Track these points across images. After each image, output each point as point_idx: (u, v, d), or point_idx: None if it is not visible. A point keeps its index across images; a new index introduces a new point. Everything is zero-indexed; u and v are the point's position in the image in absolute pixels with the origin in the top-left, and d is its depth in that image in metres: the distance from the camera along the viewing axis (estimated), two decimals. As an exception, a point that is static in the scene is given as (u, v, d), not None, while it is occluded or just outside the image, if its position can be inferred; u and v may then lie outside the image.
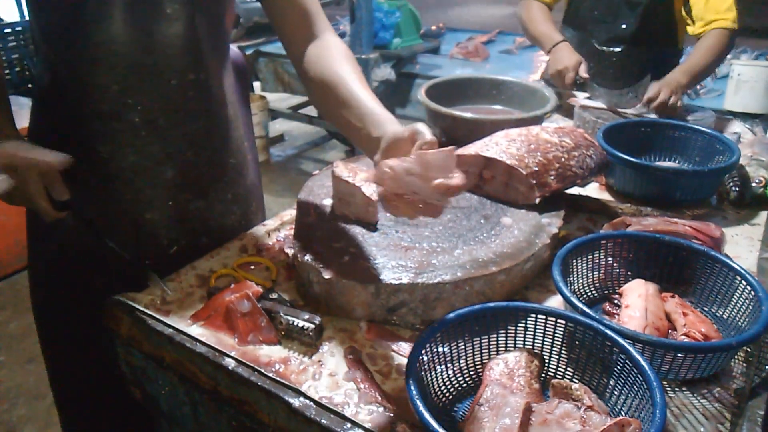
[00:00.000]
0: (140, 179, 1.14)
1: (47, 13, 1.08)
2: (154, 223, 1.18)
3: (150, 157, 1.14)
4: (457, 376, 0.89)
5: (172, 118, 1.14)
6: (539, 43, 2.17)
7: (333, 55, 1.11)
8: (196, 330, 0.99)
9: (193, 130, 1.18)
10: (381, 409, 0.84)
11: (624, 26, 2.16)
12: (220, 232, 1.27)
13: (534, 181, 1.20)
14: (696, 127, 1.54)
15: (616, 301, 1.04)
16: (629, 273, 1.09)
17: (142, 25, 1.06)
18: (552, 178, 1.23)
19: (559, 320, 0.89)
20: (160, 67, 1.10)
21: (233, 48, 1.34)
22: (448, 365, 0.88)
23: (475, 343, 0.90)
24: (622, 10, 2.16)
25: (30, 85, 4.28)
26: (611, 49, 2.20)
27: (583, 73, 1.97)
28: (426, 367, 0.84)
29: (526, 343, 0.91)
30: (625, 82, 2.19)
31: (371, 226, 1.14)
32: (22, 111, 3.78)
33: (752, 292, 0.94)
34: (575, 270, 1.06)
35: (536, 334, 0.90)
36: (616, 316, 1.00)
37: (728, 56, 2.19)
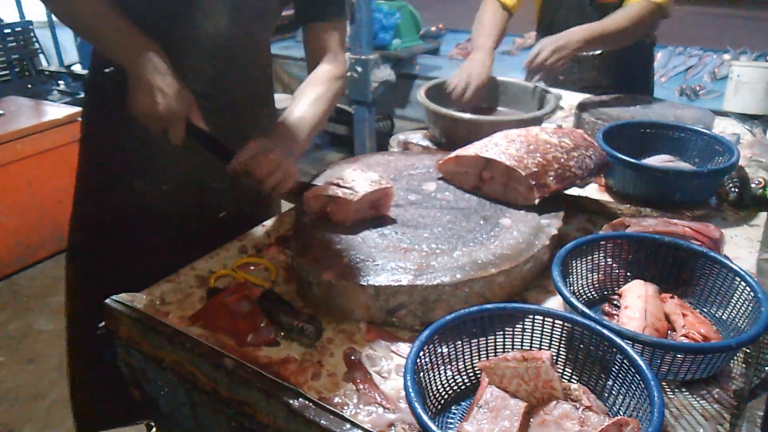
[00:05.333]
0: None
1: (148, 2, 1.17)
2: (217, 191, 1.36)
3: (227, 133, 1.27)
4: (456, 377, 0.89)
5: (249, 102, 1.33)
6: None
7: (313, 78, 1.36)
8: (195, 331, 0.99)
9: (260, 112, 1.39)
10: (380, 409, 0.84)
11: None
12: (257, 200, 1.45)
13: (533, 182, 1.20)
14: (695, 128, 1.54)
15: (615, 302, 1.04)
16: (628, 274, 1.09)
17: (246, 25, 1.25)
18: (551, 178, 1.23)
19: (558, 321, 0.89)
20: (248, 60, 1.31)
21: None
22: (447, 366, 0.88)
23: (473, 344, 0.90)
24: (596, 14, 2.07)
25: (30, 86, 4.28)
26: (591, 53, 2.16)
27: (468, 94, 1.77)
28: (425, 368, 0.84)
29: (524, 344, 0.91)
30: (608, 82, 2.17)
31: (372, 227, 1.14)
32: (21, 110, 3.78)
33: (751, 293, 0.94)
34: (575, 271, 1.06)
35: (535, 335, 0.90)
36: (616, 316, 1.00)
37: (653, 33, 2.08)
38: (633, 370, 0.78)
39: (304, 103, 1.29)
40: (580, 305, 0.89)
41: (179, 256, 1.17)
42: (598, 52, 2.15)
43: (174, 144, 1.12)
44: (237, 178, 1.16)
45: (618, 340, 0.82)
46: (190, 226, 1.35)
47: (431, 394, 0.85)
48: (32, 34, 4.40)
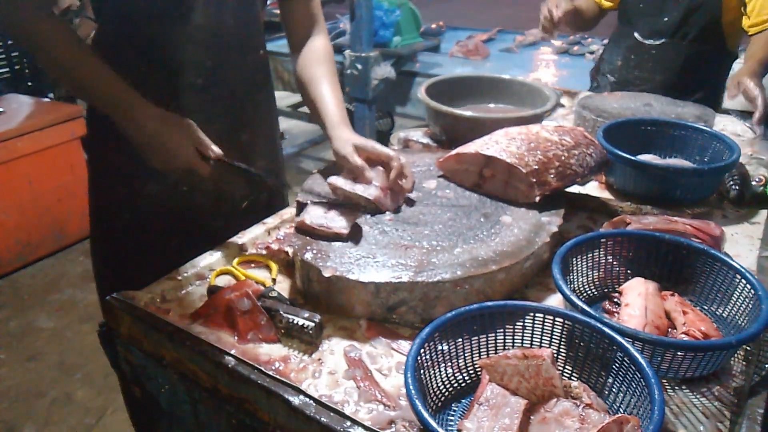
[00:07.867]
0: (224, 144, 1.25)
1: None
2: (232, 182, 1.35)
3: (231, 123, 1.31)
4: (456, 375, 0.89)
5: (247, 89, 1.34)
6: None
7: (314, 57, 1.37)
8: (196, 328, 0.99)
9: (259, 98, 1.40)
10: (380, 407, 0.84)
11: (666, 19, 2.15)
12: (273, 188, 1.49)
13: (534, 180, 1.20)
14: (696, 125, 1.54)
15: (615, 300, 1.04)
16: (629, 271, 1.09)
17: (234, 9, 1.25)
18: (552, 176, 1.23)
19: (558, 319, 0.89)
20: (242, 45, 1.31)
21: None
22: (448, 363, 0.88)
23: (474, 341, 0.90)
24: (667, 3, 2.14)
25: (30, 84, 4.28)
26: (652, 41, 2.19)
27: (558, 12, 2.13)
28: (425, 365, 0.84)
29: (525, 341, 0.91)
30: (664, 76, 2.17)
31: (371, 225, 1.14)
32: (22, 109, 3.77)
33: (752, 291, 0.94)
34: (575, 268, 1.06)
35: (535, 332, 0.90)
36: (616, 314, 1.00)
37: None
38: (633, 368, 0.78)
39: (337, 100, 1.33)
40: (580, 303, 0.89)
41: (201, 250, 1.18)
42: (659, 42, 2.20)
43: (207, 179, 1.17)
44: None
45: (618, 337, 0.82)
46: (210, 220, 1.35)
47: (432, 391, 0.85)
48: (32, 32, 4.39)
